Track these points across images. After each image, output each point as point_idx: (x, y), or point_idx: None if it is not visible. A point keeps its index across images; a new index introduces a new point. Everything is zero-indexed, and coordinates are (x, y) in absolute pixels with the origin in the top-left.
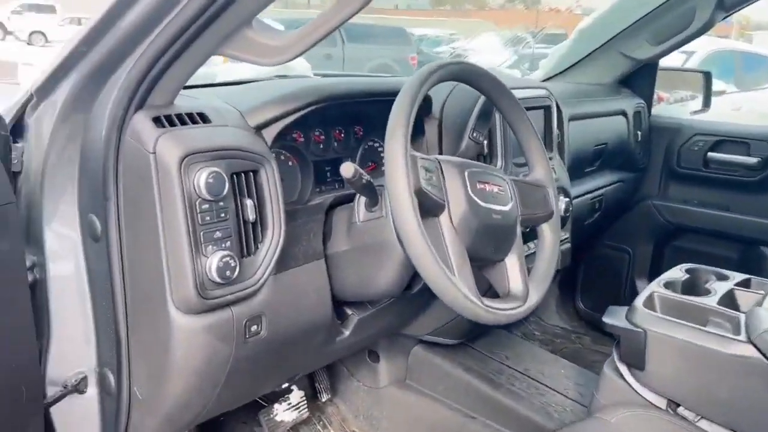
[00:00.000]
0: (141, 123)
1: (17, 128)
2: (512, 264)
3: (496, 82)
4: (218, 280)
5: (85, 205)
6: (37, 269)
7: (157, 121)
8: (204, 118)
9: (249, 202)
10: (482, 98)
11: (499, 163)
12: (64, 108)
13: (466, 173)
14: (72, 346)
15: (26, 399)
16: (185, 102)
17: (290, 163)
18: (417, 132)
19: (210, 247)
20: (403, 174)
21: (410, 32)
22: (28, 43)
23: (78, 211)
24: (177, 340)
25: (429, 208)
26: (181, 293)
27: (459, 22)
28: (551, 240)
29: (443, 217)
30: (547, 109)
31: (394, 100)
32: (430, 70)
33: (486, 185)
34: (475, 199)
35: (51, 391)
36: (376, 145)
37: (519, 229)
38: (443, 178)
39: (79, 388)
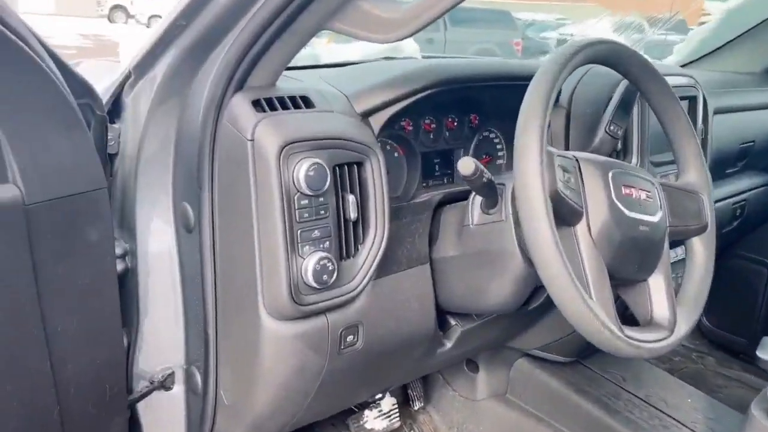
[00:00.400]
0: (239, 106)
1: (115, 108)
2: (657, 285)
3: (647, 66)
4: (314, 284)
5: (180, 193)
6: (128, 257)
7: (256, 104)
8: (307, 103)
9: (351, 198)
10: (623, 85)
11: (633, 161)
12: (161, 86)
13: (609, 175)
14: (160, 340)
15: (111, 393)
16: (287, 84)
17: (396, 154)
18: None
19: (307, 247)
20: (537, 174)
21: (516, 16)
22: (148, 27)
23: (172, 199)
24: (266, 348)
25: (564, 215)
26: (273, 297)
27: (568, 6)
28: (704, 257)
29: (580, 227)
30: (692, 100)
31: (517, 85)
32: (572, 50)
33: (632, 190)
34: (620, 206)
35: (137, 386)
36: (492, 135)
37: (667, 244)
38: (582, 180)
39: (165, 384)
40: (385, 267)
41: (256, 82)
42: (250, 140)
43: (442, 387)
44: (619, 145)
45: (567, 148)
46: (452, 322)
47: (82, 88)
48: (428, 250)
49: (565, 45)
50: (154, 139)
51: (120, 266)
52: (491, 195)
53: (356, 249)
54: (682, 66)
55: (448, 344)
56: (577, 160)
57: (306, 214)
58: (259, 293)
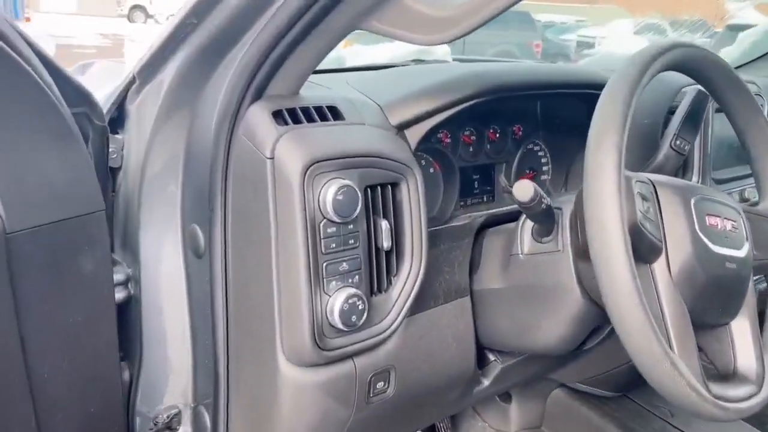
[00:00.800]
0: (257, 117)
1: (118, 117)
2: (741, 330)
3: (730, 74)
4: (341, 326)
5: (189, 213)
6: (131, 283)
7: (277, 116)
8: (336, 114)
9: (384, 225)
10: (691, 93)
11: (694, 179)
12: (169, 92)
13: (692, 202)
14: (166, 376)
15: None
16: (312, 92)
17: (431, 170)
18: (578, 134)
19: (334, 282)
20: (615, 203)
21: (535, 18)
22: None
23: (180, 220)
24: (284, 397)
25: (641, 251)
26: (294, 341)
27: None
28: None
29: (658, 266)
30: None
31: (570, 93)
32: (653, 53)
33: (717, 220)
34: (704, 240)
35: (139, 428)
36: (537, 149)
37: (752, 282)
38: (659, 208)
39: (171, 425)
40: (421, 302)
41: (277, 90)
42: (270, 158)
43: (471, 418)
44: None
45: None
46: (491, 357)
47: (78, 95)
48: (468, 281)
49: (643, 48)
50: (161, 152)
51: (121, 294)
52: (549, 222)
53: (389, 282)
54: (736, 68)
55: (486, 382)
56: (653, 184)
57: (333, 244)
58: (278, 336)
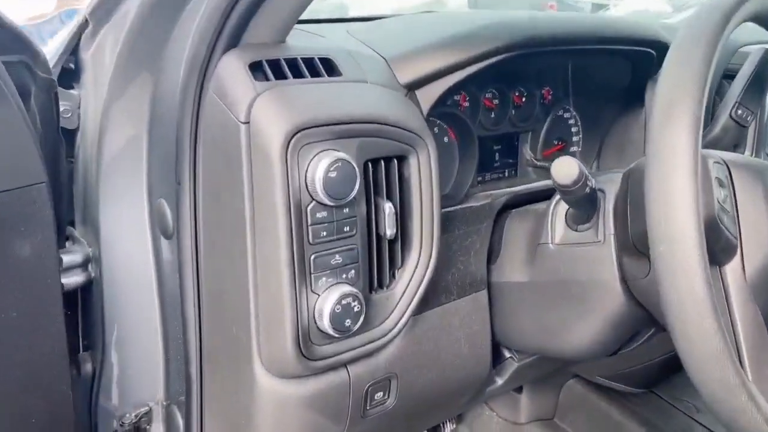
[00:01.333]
0: (231, 70)
1: (74, 69)
2: None
3: None
4: (331, 332)
5: (156, 186)
6: (92, 265)
7: (256, 69)
8: (331, 69)
9: (388, 207)
10: (757, 55)
11: (746, 154)
12: (129, 38)
13: None
14: (134, 370)
15: None
16: (303, 41)
17: (445, 139)
18: (631, 101)
19: (324, 279)
20: (690, 191)
21: None
22: None
23: (147, 193)
24: (262, 411)
25: (715, 252)
26: (273, 349)
27: None
28: None
29: (731, 268)
30: None
31: (612, 50)
32: None
33: None
34: None
35: (104, 428)
36: (568, 116)
37: None
38: (735, 196)
39: (139, 425)
40: (431, 298)
41: (257, 36)
42: (245, 123)
43: (478, 407)
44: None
45: None
46: (506, 354)
47: (12, 39)
48: (486, 272)
49: None
50: (122, 111)
51: (80, 277)
52: (588, 207)
53: (392, 277)
54: None
55: (499, 381)
56: (727, 166)
57: (323, 232)
58: (254, 342)
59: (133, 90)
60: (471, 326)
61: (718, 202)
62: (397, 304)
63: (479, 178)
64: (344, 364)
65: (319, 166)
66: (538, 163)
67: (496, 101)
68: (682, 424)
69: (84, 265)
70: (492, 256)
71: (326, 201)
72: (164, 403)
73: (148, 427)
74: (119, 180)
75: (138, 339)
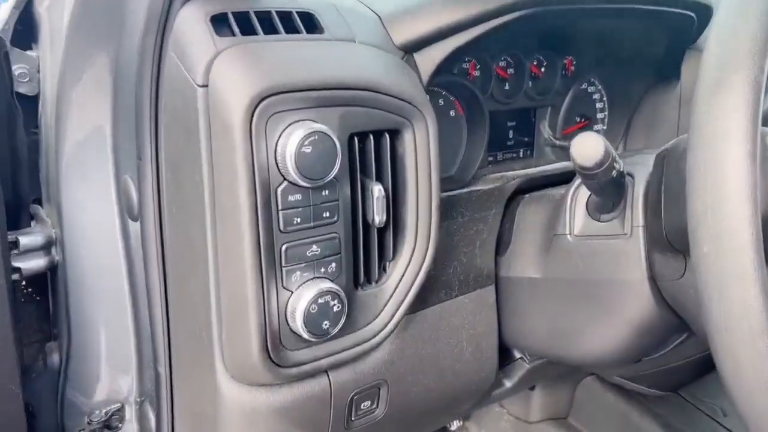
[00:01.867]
0: (189, 25)
1: (30, 27)
2: None
3: None
4: (306, 336)
5: (122, 160)
6: (56, 248)
7: (219, 22)
8: (312, 25)
9: (377, 191)
10: None
11: None
12: None
13: None
14: (103, 363)
15: None
16: None
17: (452, 113)
18: (665, 72)
19: (298, 273)
20: (746, 178)
21: None
22: None
23: (112, 168)
24: (227, 423)
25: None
26: (237, 354)
27: None
28: None
29: None
30: None
31: (652, 11)
32: None
33: None
34: None
35: (70, 420)
36: (592, 89)
37: None
38: None
39: (110, 423)
40: (427, 295)
41: None
42: (202, 86)
43: None
44: None
45: None
46: (516, 354)
47: None
48: (494, 265)
49: None
50: (83, 74)
51: (42, 261)
52: (614, 194)
53: (382, 270)
54: None
55: (508, 384)
56: None
57: (297, 218)
58: (216, 345)
59: (92, 50)
60: (475, 326)
61: None
62: (388, 301)
63: (490, 158)
64: (324, 371)
65: (291, 140)
66: (558, 143)
67: (510, 71)
68: (708, 429)
69: (46, 247)
70: (501, 247)
71: (300, 181)
72: (137, 400)
73: (120, 425)
74: (81, 154)
75: (107, 330)
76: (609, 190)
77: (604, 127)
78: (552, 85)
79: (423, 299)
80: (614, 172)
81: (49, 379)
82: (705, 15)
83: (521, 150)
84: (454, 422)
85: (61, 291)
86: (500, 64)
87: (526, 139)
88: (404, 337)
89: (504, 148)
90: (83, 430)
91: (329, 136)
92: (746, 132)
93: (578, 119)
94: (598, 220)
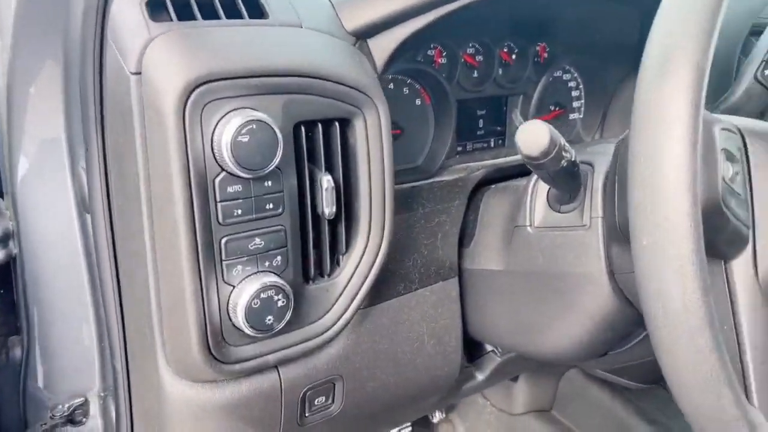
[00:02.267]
0: (124, 9)
1: None
2: None
3: None
4: (248, 331)
5: (76, 151)
6: (14, 241)
7: (156, 6)
8: (256, 9)
9: (326, 181)
10: None
11: None
12: None
13: None
14: (66, 356)
15: None
16: None
17: (417, 101)
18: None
19: (240, 267)
20: (686, 166)
21: None
22: None
23: (68, 158)
24: (173, 420)
25: (716, 243)
26: (178, 350)
27: None
28: None
29: (739, 265)
30: None
31: None
32: None
33: None
34: None
35: (33, 413)
36: (567, 77)
37: None
38: (749, 173)
39: (73, 418)
40: (384, 288)
41: None
42: (135, 74)
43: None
44: None
45: None
46: (487, 347)
47: None
48: (457, 257)
49: None
50: (33, 65)
51: (0, 254)
52: (570, 185)
53: (335, 263)
54: None
55: (480, 377)
56: (741, 134)
57: (238, 210)
58: (158, 340)
59: (40, 39)
60: (437, 320)
61: (725, 181)
62: (340, 296)
63: (459, 148)
64: (274, 366)
65: (227, 129)
66: None
67: (479, 58)
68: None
69: (3, 240)
70: (466, 239)
71: (239, 172)
72: (101, 395)
73: (84, 419)
74: (36, 145)
75: (68, 324)
76: (561, 181)
77: (581, 116)
78: (523, 72)
79: (380, 293)
80: (564, 161)
81: (11, 373)
82: None
83: (492, 139)
84: (437, 414)
85: (20, 284)
86: (468, 51)
87: (498, 128)
88: (360, 331)
89: (474, 137)
90: (45, 424)
91: (269, 125)
92: (687, 120)
93: (553, 107)
94: (558, 212)
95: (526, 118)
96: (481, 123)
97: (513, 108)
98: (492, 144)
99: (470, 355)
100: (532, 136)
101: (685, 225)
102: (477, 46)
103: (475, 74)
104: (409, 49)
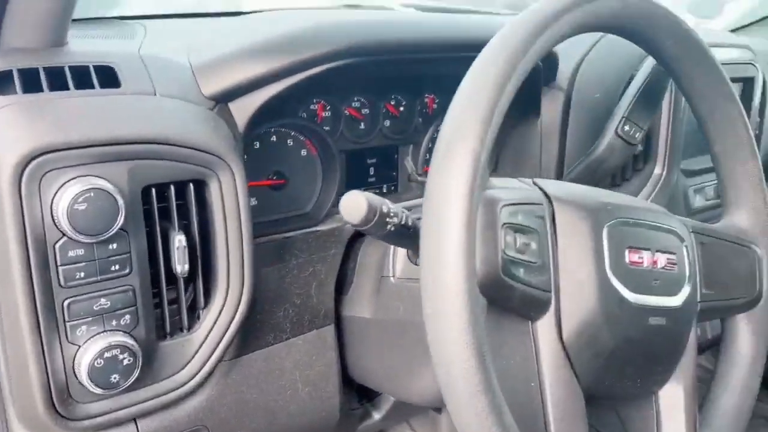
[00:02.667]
0: None
1: None
2: (672, 399)
3: (689, 36)
4: (93, 390)
5: None
6: None
7: (4, 79)
8: (108, 78)
9: (179, 240)
10: (648, 65)
11: (657, 171)
12: None
13: (604, 231)
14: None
15: None
16: (94, 45)
17: (303, 152)
18: (526, 110)
19: (85, 327)
20: (462, 244)
21: None
22: None
23: None
24: None
25: (515, 306)
26: (26, 407)
27: None
28: (752, 347)
29: (542, 325)
30: (747, 83)
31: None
32: (557, 9)
33: (643, 254)
34: (617, 287)
35: None
36: None
37: (693, 335)
38: (555, 237)
39: None
40: (252, 339)
41: (20, 39)
42: None
43: (398, 425)
44: (639, 147)
45: (562, 150)
46: None
47: None
48: (334, 305)
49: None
50: None
51: None
52: (408, 244)
53: (194, 318)
54: (733, 31)
55: (377, 416)
56: (550, 200)
57: (81, 273)
58: (6, 395)
59: None
60: (312, 366)
61: (507, 255)
62: (198, 350)
63: None
64: (132, 419)
65: (63, 197)
66: (420, 179)
67: (365, 111)
68: None
69: None
70: (346, 286)
71: (78, 237)
72: None
73: None
74: None
75: None
76: (394, 242)
77: None
78: (410, 124)
79: (247, 344)
80: (390, 227)
81: None
82: (548, 57)
83: (385, 185)
84: None
85: None
86: (353, 104)
87: (392, 173)
88: (226, 383)
89: (365, 184)
90: None
91: (108, 192)
92: (461, 202)
93: None
94: (416, 264)
95: (417, 165)
96: (372, 171)
97: (404, 156)
98: (385, 190)
99: (368, 395)
100: (352, 204)
101: (461, 298)
102: (363, 100)
103: (362, 126)
104: (285, 107)
